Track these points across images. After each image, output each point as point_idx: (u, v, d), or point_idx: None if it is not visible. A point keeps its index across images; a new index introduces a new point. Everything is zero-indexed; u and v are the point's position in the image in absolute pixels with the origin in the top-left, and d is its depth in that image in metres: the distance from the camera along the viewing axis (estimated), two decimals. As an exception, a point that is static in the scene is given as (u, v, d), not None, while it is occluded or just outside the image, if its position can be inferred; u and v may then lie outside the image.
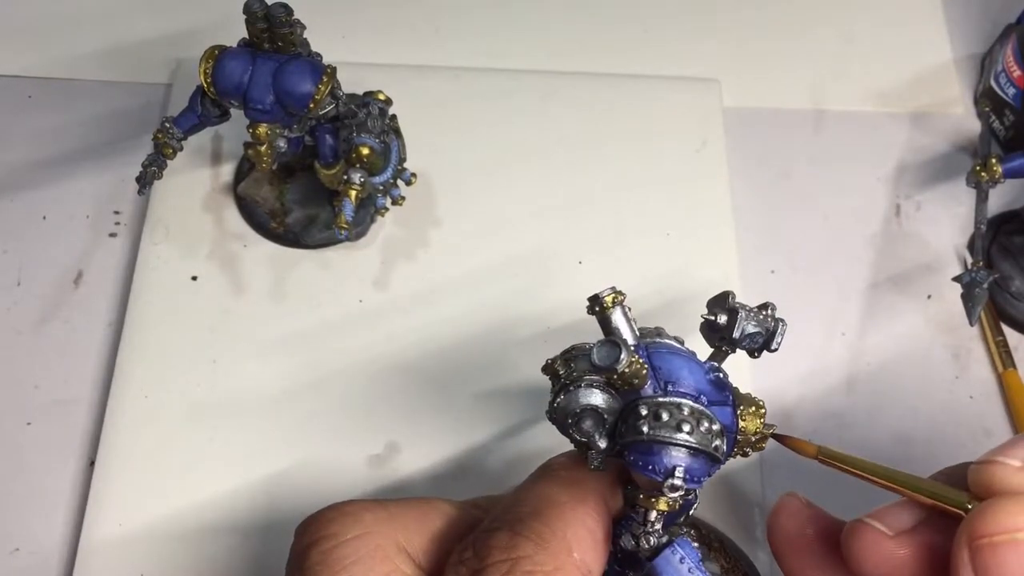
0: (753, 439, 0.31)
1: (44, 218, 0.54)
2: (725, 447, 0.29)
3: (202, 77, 0.45)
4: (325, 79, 0.45)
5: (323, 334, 0.50)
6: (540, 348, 0.50)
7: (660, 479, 0.28)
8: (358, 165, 0.47)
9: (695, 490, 0.30)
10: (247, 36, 0.45)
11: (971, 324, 0.49)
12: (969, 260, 0.54)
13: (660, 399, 0.29)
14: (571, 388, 0.29)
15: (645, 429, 0.28)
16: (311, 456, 0.47)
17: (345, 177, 0.47)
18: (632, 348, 0.29)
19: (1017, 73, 0.56)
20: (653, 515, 0.30)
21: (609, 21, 0.62)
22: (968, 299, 0.49)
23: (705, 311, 0.33)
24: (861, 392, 0.51)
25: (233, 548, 0.45)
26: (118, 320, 0.51)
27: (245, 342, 0.50)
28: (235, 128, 0.50)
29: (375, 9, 0.62)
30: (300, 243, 0.53)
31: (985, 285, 0.49)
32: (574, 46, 0.61)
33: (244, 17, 0.44)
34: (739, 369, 0.50)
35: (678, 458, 0.28)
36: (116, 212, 0.54)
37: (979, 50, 0.62)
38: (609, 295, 0.30)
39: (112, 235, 0.54)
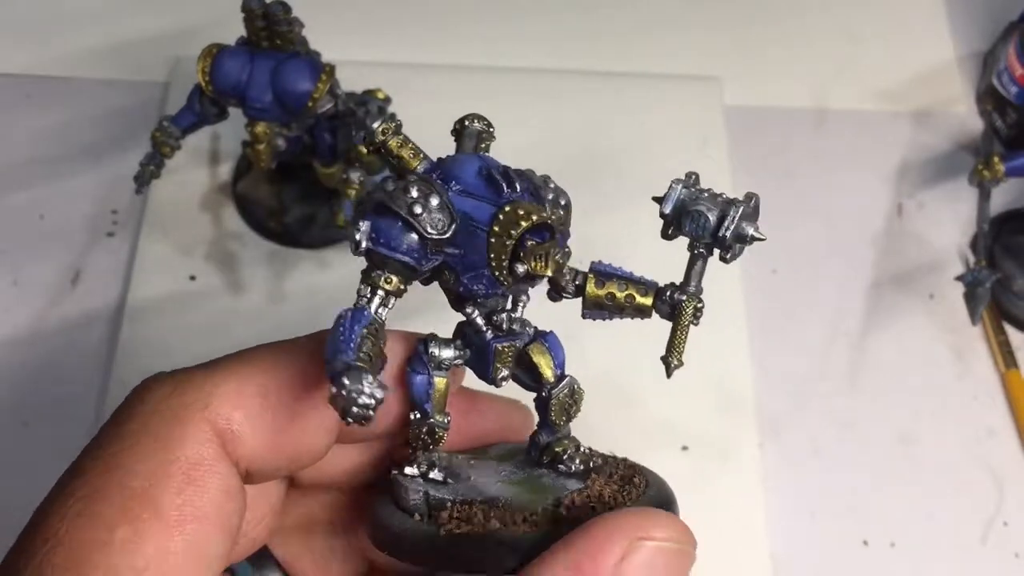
0: None
1: (41, 217, 0.54)
2: (434, 222, 0.28)
3: (200, 75, 0.45)
4: (324, 77, 0.45)
5: (322, 334, 0.50)
6: (540, 348, 0.50)
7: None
8: (357, 164, 0.47)
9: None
10: (245, 34, 0.45)
11: (974, 324, 0.49)
12: (972, 259, 0.54)
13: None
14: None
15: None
16: (310, 456, 0.47)
17: (344, 176, 0.47)
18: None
19: (1019, 71, 0.56)
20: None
21: (610, 20, 0.62)
22: (971, 298, 0.49)
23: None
24: (863, 391, 0.51)
25: (232, 549, 0.45)
26: (116, 319, 0.50)
27: (244, 342, 0.50)
28: (233, 127, 0.49)
29: (374, 8, 0.62)
30: (299, 242, 0.52)
31: (988, 284, 0.48)
32: (575, 45, 0.61)
33: (242, 15, 0.44)
34: (741, 371, 0.50)
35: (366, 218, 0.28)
36: (114, 211, 0.54)
37: (982, 48, 0.62)
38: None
39: (110, 234, 0.53)
